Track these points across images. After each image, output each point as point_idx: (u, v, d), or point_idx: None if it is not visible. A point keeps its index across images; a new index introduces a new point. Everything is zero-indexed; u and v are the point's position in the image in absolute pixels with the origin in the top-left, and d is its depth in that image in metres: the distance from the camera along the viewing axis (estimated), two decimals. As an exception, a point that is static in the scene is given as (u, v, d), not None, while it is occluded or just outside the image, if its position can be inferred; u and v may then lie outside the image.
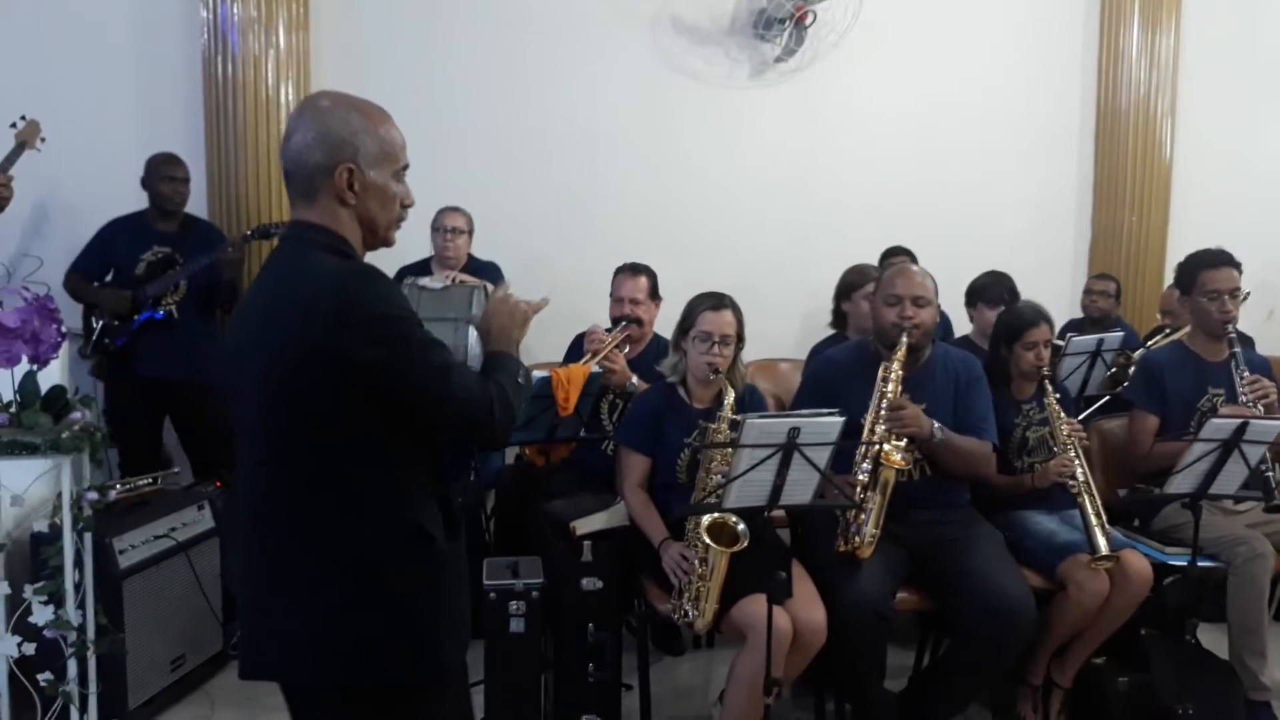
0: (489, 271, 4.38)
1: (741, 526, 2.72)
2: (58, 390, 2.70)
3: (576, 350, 3.93)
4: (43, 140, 4.17)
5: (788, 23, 4.92)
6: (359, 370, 1.61)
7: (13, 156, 4.11)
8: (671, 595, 2.86)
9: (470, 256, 4.48)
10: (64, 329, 2.72)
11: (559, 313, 4.50)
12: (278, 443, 1.69)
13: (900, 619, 3.04)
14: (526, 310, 1.92)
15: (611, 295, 4.00)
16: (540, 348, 4.48)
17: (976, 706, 3.23)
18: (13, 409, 2.65)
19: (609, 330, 3.77)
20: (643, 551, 3.02)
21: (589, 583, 2.99)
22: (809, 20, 4.93)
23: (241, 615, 1.81)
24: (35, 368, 2.68)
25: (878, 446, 2.84)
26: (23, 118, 4.14)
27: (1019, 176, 5.53)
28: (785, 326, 4.97)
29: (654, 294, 3.99)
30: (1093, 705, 3.18)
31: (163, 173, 4.20)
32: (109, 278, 4.20)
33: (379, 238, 1.79)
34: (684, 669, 3.68)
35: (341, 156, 1.69)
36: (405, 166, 1.79)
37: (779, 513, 2.68)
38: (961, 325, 4.49)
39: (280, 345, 1.65)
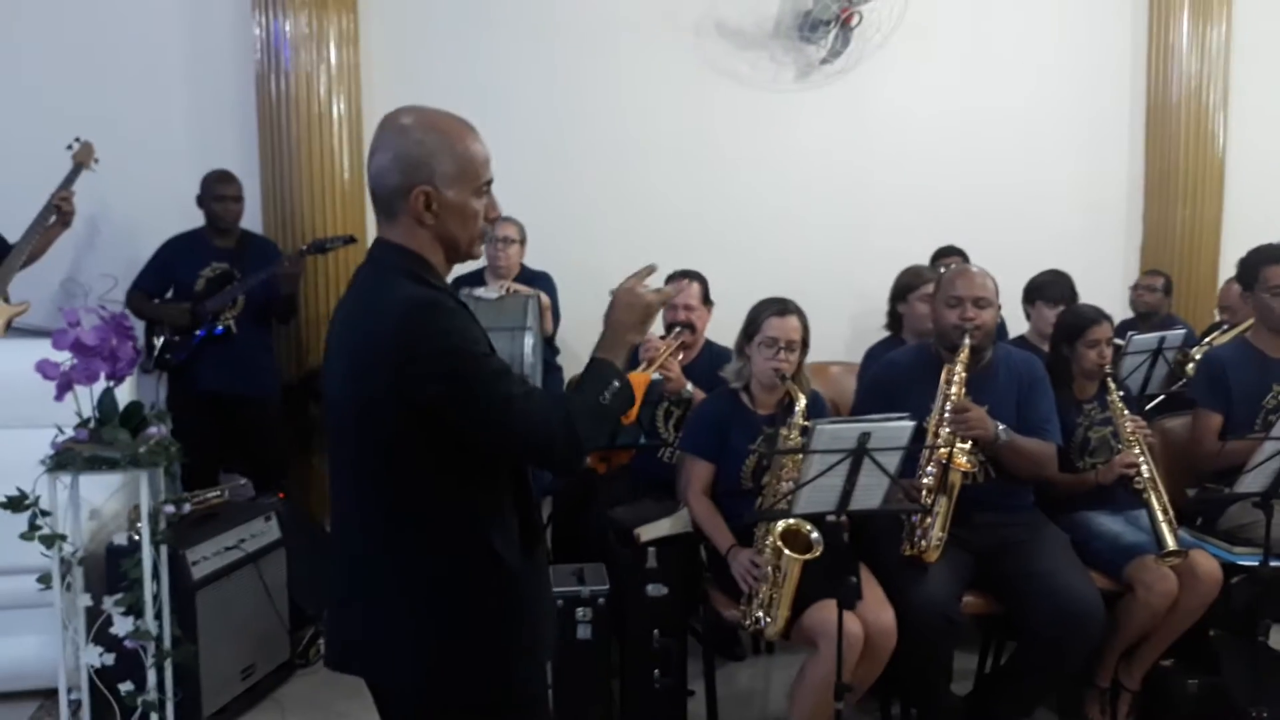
0: (542, 281, 4.40)
1: (816, 534, 2.72)
2: (135, 406, 2.76)
3: (631, 358, 3.94)
4: (96, 161, 4.27)
5: (833, 24, 4.92)
6: (421, 405, 1.61)
7: (71, 177, 4.22)
8: (740, 602, 2.86)
9: (523, 266, 4.51)
10: (139, 346, 2.77)
11: (610, 320, 4.56)
12: (355, 459, 1.72)
13: (963, 623, 3.03)
14: (651, 303, 1.82)
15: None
16: (587, 355, 4.51)
17: (1043, 710, 3.21)
18: (91, 424, 2.71)
19: (663, 337, 3.79)
20: (708, 557, 3.03)
21: (654, 589, 3.01)
22: (854, 21, 4.92)
23: (329, 611, 1.84)
24: (112, 384, 2.74)
25: (945, 450, 2.83)
26: (77, 139, 4.24)
27: (1068, 173, 5.48)
28: (834, 329, 4.94)
29: (706, 300, 4.00)
30: (1162, 708, 3.15)
31: (215, 191, 4.27)
32: (169, 294, 4.28)
33: (462, 254, 1.78)
34: (744, 674, 3.69)
35: (417, 179, 1.68)
36: (488, 182, 1.77)
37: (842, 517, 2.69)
38: (1014, 325, 4.46)
39: (351, 374, 1.68)
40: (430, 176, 1.69)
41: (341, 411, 1.72)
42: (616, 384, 1.75)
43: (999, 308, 3.20)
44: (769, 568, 2.80)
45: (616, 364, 1.79)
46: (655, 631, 3.01)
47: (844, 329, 4.97)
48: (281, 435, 4.46)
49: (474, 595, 1.70)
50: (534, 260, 4.56)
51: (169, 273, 4.27)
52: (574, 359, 4.51)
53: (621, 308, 1.82)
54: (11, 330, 4.12)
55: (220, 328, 4.19)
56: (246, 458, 4.37)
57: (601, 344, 1.82)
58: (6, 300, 4.12)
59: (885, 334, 4.24)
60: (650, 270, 1.89)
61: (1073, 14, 5.44)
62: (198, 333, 4.19)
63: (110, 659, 2.77)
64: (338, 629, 1.82)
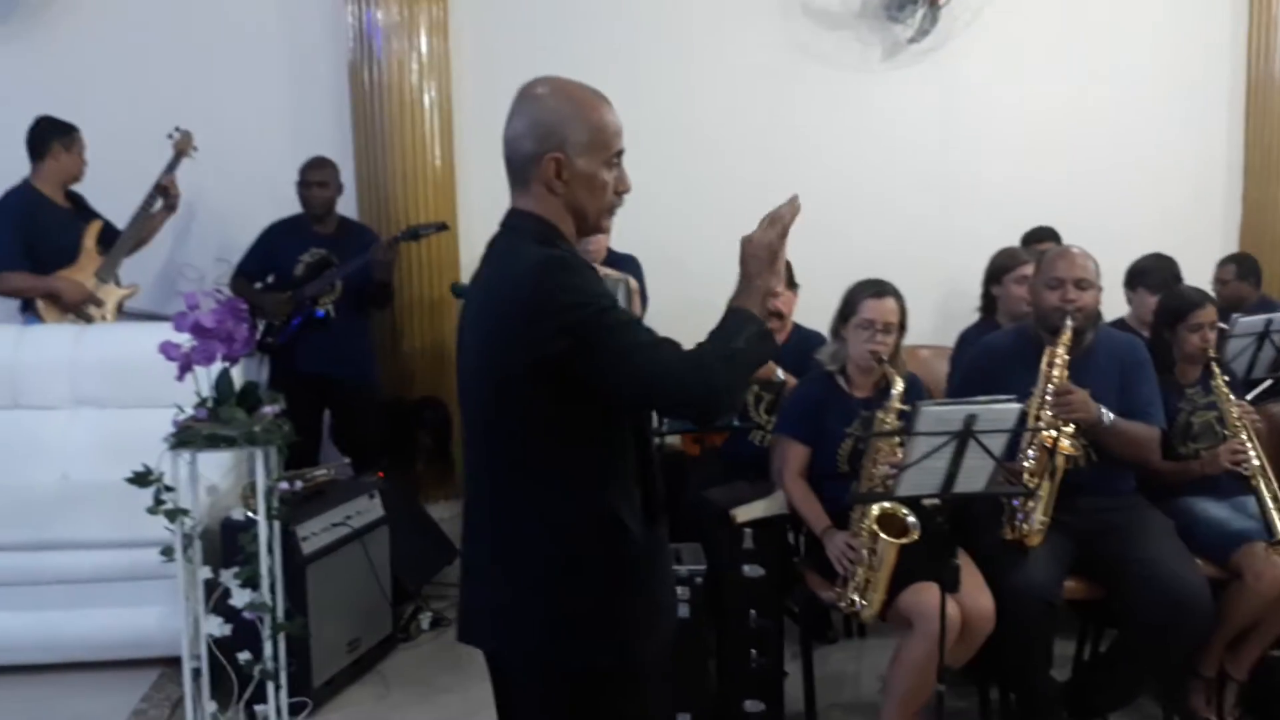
0: (629, 264, 4.44)
1: (912, 519, 2.72)
2: (251, 386, 2.86)
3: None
4: (196, 149, 4.41)
5: (921, 3, 4.85)
6: (553, 359, 1.63)
7: (172, 165, 4.38)
8: (835, 584, 2.88)
9: (608, 250, 4.54)
10: (252, 329, 2.87)
11: (694, 304, 4.57)
12: (489, 425, 1.76)
13: (1062, 607, 3.00)
14: (773, 240, 1.74)
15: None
16: (678, 339, 4.53)
17: (1145, 699, 3.16)
18: (210, 404, 2.82)
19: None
20: (803, 540, 3.04)
21: (751, 570, 3.03)
22: (943, 0, 4.85)
23: (461, 584, 1.89)
24: (228, 366, 2.84)
25: (1053, 434, 2.80)
26: (177, 128, 4.39)
27: (1164, 153, 5.33)
28: (922, 312, 4.85)
29: (791, 283, 3.99)
30: (1270, 699, 3.09)
31: (306, 178, 4.39)
32: (270, 279, 4.41)
33: (590, 225, 1.79)
34: (836, 657, 3.69)
35: (549, 146, 1.71)
36: (620, 152, 1.78)
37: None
38: (1109, 309, 4.37)
39: (487, 335, 1.72)
40: (562, 144, 1.71)
41: (479, 380, 1.76)
42: (752, 329, 1.70)
43: (1100, 289, 3.14)
44: (864, 550, 2.81)
45: (751, 310, 1.73)
46: (752, 612, 3.03)
47: (931, 312, 4.91)
48: (378, 417, 4.57)
49: (598, 564, 1.73)
50: (620, 244, 4.59)
51: (270, 257, 4.41)
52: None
53: (747, 255, 1.77)
54: (121, 314, 4.30)
55: (320, 311, 4.30)
56: (345, 439, 4.50)
57: (736, 294, 1.78)
58: (118, 283, 4.30)
59: (975, 317, 4.19)
60: (794, 205, 1.81)
61: (1170, -11, 5.29)
62: (295, 319, 4.31)
63: (228, 630, 2.87)
64: (467, 599, 1.87)
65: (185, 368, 2.75)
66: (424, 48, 4.71)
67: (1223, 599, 2.94)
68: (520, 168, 1.75)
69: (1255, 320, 3.82)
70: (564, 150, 1.71)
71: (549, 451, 1.71)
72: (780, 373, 3.60)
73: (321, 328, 4.33)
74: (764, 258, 1.74)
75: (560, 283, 1.65)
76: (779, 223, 1.76)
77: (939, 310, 4.86)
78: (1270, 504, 2.93)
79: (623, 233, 4.58)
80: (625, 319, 1.68)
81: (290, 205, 4.49)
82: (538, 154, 1.71)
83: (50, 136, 4.13)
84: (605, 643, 1.75)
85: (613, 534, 1.73)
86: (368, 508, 3.53)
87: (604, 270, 4.10)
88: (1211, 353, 3.23)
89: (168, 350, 2.73)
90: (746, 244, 1.77)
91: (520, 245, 1.73)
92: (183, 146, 4.41)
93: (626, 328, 1.66)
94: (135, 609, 3.36)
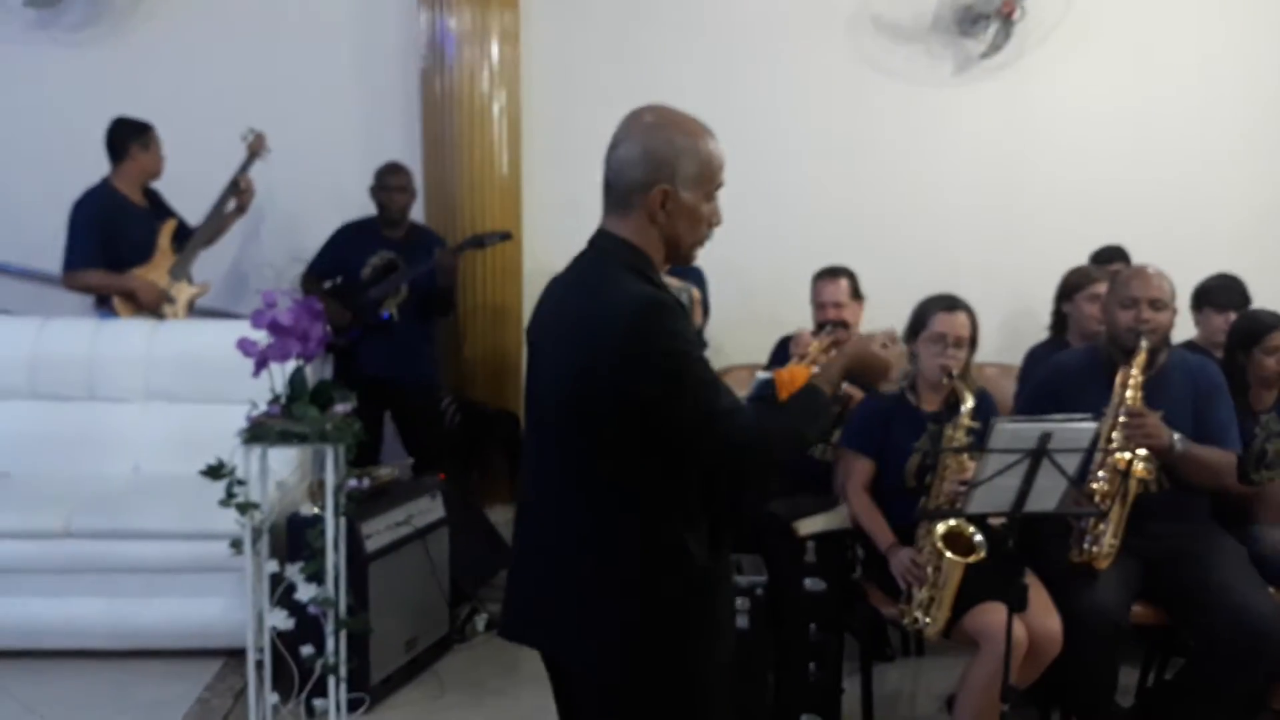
0: (693, 275, 4.43)
1: (979, 537, 2.69)
2: (324, 384, 2.89)
3: (779, 355, 3.95)
4: (269, 150, 4.50)
5: (994, 18, 4.81)
6: (636, 401, 1.67)
7: (246, 165, 4.47)
8: (899, 600, 2.85)
9: (671, 262, 4.55)
10: (328, 329, 2.92)
11: (756, 316, 4.58)
12: (563, 441, 1.78)
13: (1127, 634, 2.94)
14: (888, 366, 1.91)
15: (813, 301, 4.00)
16: (737, 351, 4.53)
17: (1213, 731, 3.08)
18: (283, 401, 2.86)
19: (814, 335, 3.77)
20: (864, 555, 3.01)
21: (812, 583, 3.01)
22: (1016, 15, 4.80)
23: (512, 582, 1.92)
24: (303, 364, 2.88)
25: (1127, 457, 2.75)
26: (251, 130, 4.48)
27: (1236, 172, 5.22)
28: (989, 330, 4.81)
29: (855, 295, 3.97)
30: (1344, 734, 3.00)
31: (383, 182, 4.45)
32: (339, 280, 4.48)
33: (682, 256, 1.83)
34: (894, 675, 3.66)
35: (660, 177, 1.74)
36: (720, 185, 1.81)
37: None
38: (1178, 330, 4.29)
39: (573, 358, 1.73)
40: (673, 176, 1.75)
41: (557, 399, 1.78)
42: (824, 419, 1.83)
43: (1175, 310, 3.09)
44: (929, 568, 2.78)
45: (828, 394, 1.85)
46: (812, 626, 3.01)
47: (998, 329, 4.86)
48: (440, 420, 4.62)
49: (662, 588, 1.74)
50: (684, 255, 4.59)
51: (340, 259, 4.47)
52: (720, 354, 4.54)
53: (860, 355, 1.91)
54: (192, 311, 4.40)
55: (385, 313, 4.36)
56: (406, 440, 4.55)
57: (826, 370, 1.89)
58: (190, 281, 4.39)
59: (1040, 335, 4.14)
60: (892, 335, 1.97)
61: (1248, 7, 5.18)
62: (355, 328, 4.36)
63: (291, 623, 2.91)
64: (526, 605, 1.88)
65: (261, 364, 2.80)
66: (495, 56, 4.76)
67: (1297, 631, 2.87)
68: (624, 193, 1.77)
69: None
70: (674, 182, 1.74)
71: (619, 476, 1.73)
72: (845, 385, 3.57)
73: (386, 330, 4.39)
74: (877, 370, 1.90)
75: (663, 326, 1.67)
76: (890, 358, 1.90)
77: (1005, 328, 4.80)
78: (1347, 535, 2.85)
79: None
80: (712, 378, 1.71)
81: (357, 208, 4.56)
82: (648, 182, 1.74)
83: (128, 138, 4.24)
84: (664, 664, 1.76)
85: (676, 560, 1.74)
86: (429, 508, 3.56)
87: (668, 279, 4.11)
88: (1289, 378, 3.16)
89: (245, 346, 2.77)
90: (870, 345, 1.90)
91: (617, 273, 1.74)
92: (256, 147, 4.50)
93: (713, 389, 1.70)
94: (202, 599, 3.44)
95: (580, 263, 1.84)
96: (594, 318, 1.71)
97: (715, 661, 1.83)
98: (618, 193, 1.78)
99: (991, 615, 2.63)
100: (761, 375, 3.20)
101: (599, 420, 1.70)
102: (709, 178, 1.78)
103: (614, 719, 1.81)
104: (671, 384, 1.65)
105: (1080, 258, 4.42)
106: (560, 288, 1.85)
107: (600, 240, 1.81)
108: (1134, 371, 2.91)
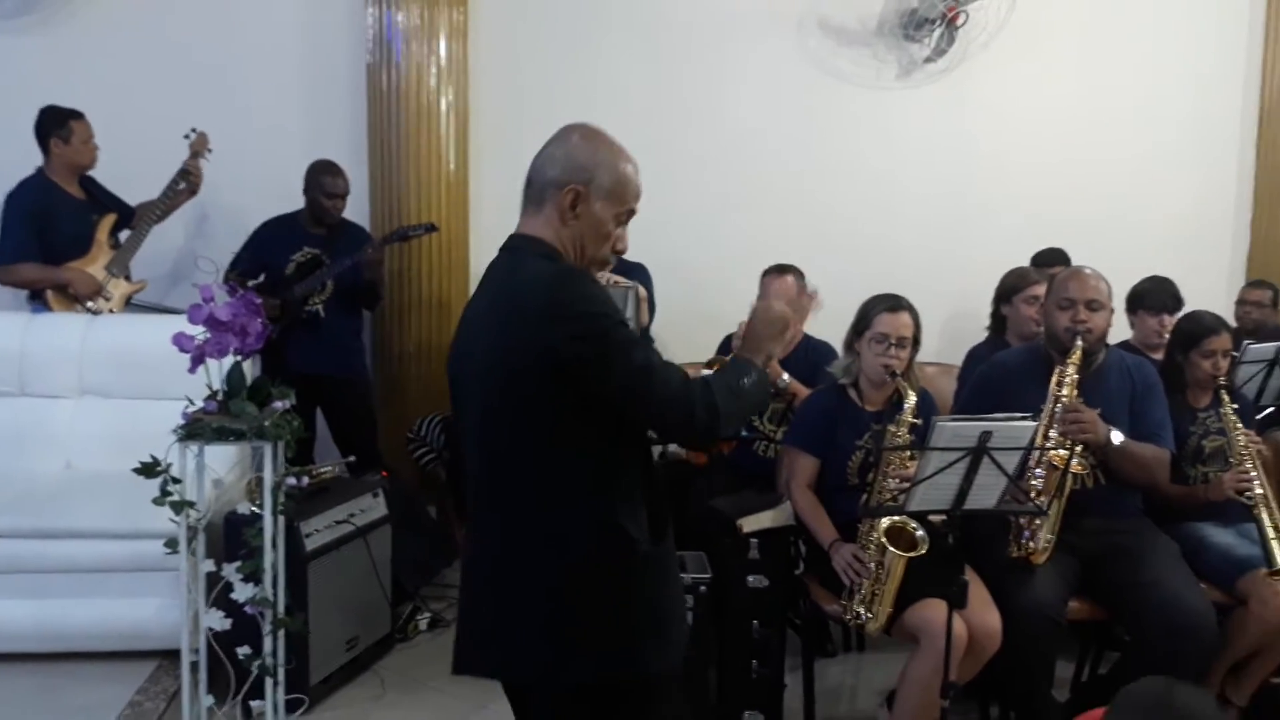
0: (638, 272, 4.44)
1: (921, 533, 2.72)
2: (262, 380, 2.85)
3: (725, 351, 3.96)
4: (210, 150, 4.41)
5: (938, 23, 4.88)
6: (566, 365, 1.67)
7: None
8: (841, 596, 2.87)
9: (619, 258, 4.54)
10: (266, 323, 2.86)
11: (702, 313, 4.59)
12: (494, 437, 1.77)
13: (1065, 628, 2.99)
14: (787, 315, 1.90)
15: (759, 297, 4.02)
16: (682, 349, 4.53)
17: (1146, 722, 3.15)
18: (220, 397, 2.81)
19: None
20: (808, 551, 3.03)
21: (755, 580, 3.02)
22: (960, 20, 4.88)
23: (460, 609, 1.91)
24: (241, 359, 2.83)
25: (1064, 454, 2.80)
26: (193, 130, 4.39)
27: (1174, 179, 5.36)
28: (930, 330, 4.88)
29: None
30: (1272, 725, 3.08)
31: (324, 186, 4.33)
32: (262, 277, 4.40)
33: (584, 264, 1.84)
34: (835, 671, 3.68)
35: (575, 178, 1.77)
36: (631, 213, 1.85)
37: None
38: (1116, 332, 4.38)
39: (496, 344, 1.74)
40: (589, 181, 1.78)
41: (485, 388, 1.77)
42: (755, 375, 1.82)
43: (1112, 311, 3.15)
44: (872, 564, 2.80)
45: (752, 359, 1.86)
46: (755, 622, 3.02)
47: (939, 330, 4.92)
48: (372, 416, 4.57)
49: (604, 574, 1.75)
50: (631, 253, 4.57)
51: (263, 255, 4.39)
52: (665, 351, 4.52)
53: (758, 321, 1.90)
54: (126, 307, 4.29)
55: (310, 309, 4.30)
56: (338, 436, 4.48)
57: (743, 349, 1.90)
58: (127, 278, 4.29)
59: (982, 336, 4.20)
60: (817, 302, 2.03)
61: (1184, 15, 5.31)
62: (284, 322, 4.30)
63: (228, 624, 2.86)
64: (468, 626, 1.87)
65: (199, 360, 2.74)
66: (443, 53, 4.72)
67: (1227, 624, 2.94)
68: (539, 189, 1.80)
69: (1266, 348, 3.83)
70: (588, 186, 1.77)
71: (554, 463, 1.74)
72: (786, 377, 3.60)
73: (312, 326, 4.33)
74: (778, 327, 1.88)
75: (578, 292, 1.70)
76: (799, 309, 1.93)
77: (947, 328, 4.87)
78: (1271, 534, 2.91)
79: (634, 241, 4.59)
80: (635, 337, 1.74)
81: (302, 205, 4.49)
82: (562, 181, 1.78)
83: (48, 130, 4.12)
84: (614, 653, 1.76)
85: (618, 545, 1.75)
86: (371, 506, 3.52)
87: (613, 278, 4.10)
88: (1222, 380, 3.23)
89: (181, 342, 2.72)
90: (764, 311, 1.89)
91: (527, 260, 1.78)
92: (198, 148, 4.40)
93: (639, 346, 1.72)
94: (135, 600, 3.36)
95: (493, 266, 1.86)
96: (513, 299, 1.73)
97: (668, 651, 1.83)
98: (534, 188, 1.82)
99: (931, 611, 2.66)
100: (705, 373, 3.22)
101: (526, 402, 1.71)
102: (621, 197, 1.81)
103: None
104: (600, 343, 1.67)
105: (1022, 259, 4.49)
106: (478, 303, 1.86)
107: (511, 242, 1.85)
108: (1070, 370, 2.97)
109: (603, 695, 1.77)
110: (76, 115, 4.16)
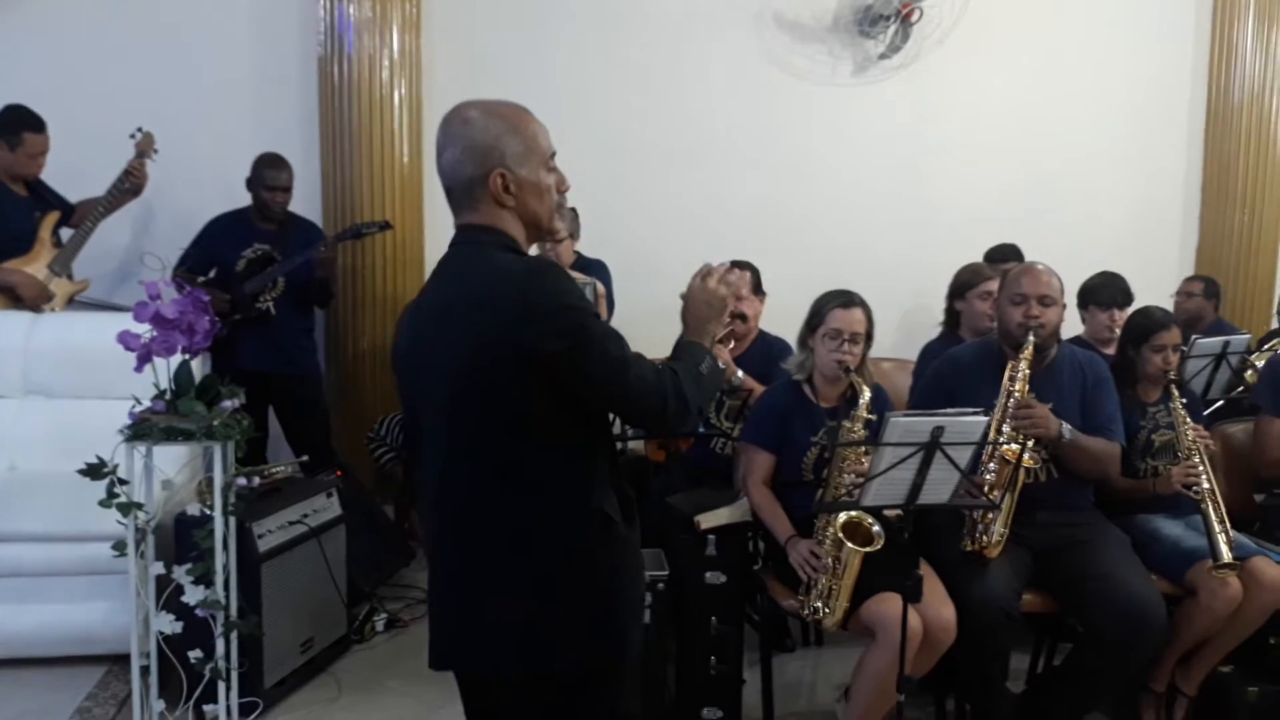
0: (596, 269, 4.43)
1: (877, 528, 2.73)
2: (210, 379, 2.81)
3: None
4: (156, 150, 4.32)
5: (893, 20, 4.91)
6: (542, 360, 1.66)
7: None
8: (798, 591, 2.88)
9: (577, 254, 4.53)
10: (214, 320, 2.82)
11: (663, 309, 4.56)
12: (464, 431, 1.75)
13: (1020, 620, 3.02)
14: (724, 294, 1.90)
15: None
16: (642, 345, 4.51)
17: (1097, 713, 3.19)
18: (168, 396, 2.76)
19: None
20: (766, 547, 3.03)
21: (713, 576, 3.02)
22: (914, 17, 4.91)
23: (431, 605, 1.88)
24: (189, 358, 2.78)
25: (1017, 448, 2.82)
26: (139, 129, 4.29)
27: (1125, 175, 5.45)
28: (886, 325, 4.92)
29: (757, 289, 4.00)
30: (1219, 715, 3.13)
31: (265, 180, 4.28)
32: (212, 273, 4.33)
33: (543, 230, 1.84)
34: (793, 666, 3.69)
35: (491, 164, 1.75)
36: (553, 154, 1.83)
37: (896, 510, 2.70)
38: (1069, 327, 4.43)
39: (464, 339, 1.71)
40: (503, 159, 1.76)
41: (441, 388, 1.75)
42: (710, 359, 1.84)
43: (1064, 306, 3.18)
44: (829, 559, 2.81)
45: (697, 340, 1.88)
46: (713, 619, 3.02)
47: (894, 325, 4.96)
48: (325, 413, 4.52)
49: (592, 559, 1.76)
50: (590, 249, 4.58)
51: (213, 252, 4.33)
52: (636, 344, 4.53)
53: (698, 304, 1.91)
54: (71, 305, 4.20)
55: (260, 306, 4.24)
56: (290, 435, 4.43)
57: (688, 333, 1.91)
58: (70, 278, 4.20)
59: (937, 331, 4.23)
60: (708, 269, 1.96)
61: (1135, 17, 5.39)
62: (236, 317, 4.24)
63: (179, 627, 2.82)
64: (443, 623, 1.85)
65: (145, 358, 2.70)
66: (396, 45, 4.68)
67: (1176, 615, 2.98)
68: (464, 191, 1.78)
69: (1213, 342, 3.90)
70: (505, 164, 1.76)
71: (530, 453, 1.73)
72: (740, 374, 3.60)
73: (263, 324, 4.27)
74: (716, 307, 1.89)
75: (552, 286, 1.69)
76: (727, 283, 1.91)
77: (902, 324, 4.91)
78: (1217, 529, 2.96)
79: (592, 238, 4.60)
80: (610, 330, 1.74)
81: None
82: (482, 174, 1.75)
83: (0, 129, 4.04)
84: (599, 639, 1.78)
85: (604, 531, 1.77)
86: (325, 506, 3.47)
87: (571, 274, 4.09)
88: (1172, 375, 3.28)
89: (127, 340, 2.67)
90: (699, 292, 1.90)
91: (489, 254, 1.76)
92: (144, 147, 4.31)
93: (614, 339, 1.72)
94: (83, 604, 3.29)
95: (448, 259, 1.83)
96: (481, 294, 1.71)
97: (638, 634, 1.85)
98: (459, 193, 1.79)
99: (887, 606, 2.67)
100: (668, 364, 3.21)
101: (500, 395, 1.69)
102: (537, 150, 1.79)
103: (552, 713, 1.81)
104: (577, 337, 1.67)
105: (976, 255, 4.53)
106: (433, 298, 1.83)
107: (461, 236, 1.82)
108: (1022, 365, 2.99)
109: (579, 681, 1.78)
110: (37, 127, 4.07)
